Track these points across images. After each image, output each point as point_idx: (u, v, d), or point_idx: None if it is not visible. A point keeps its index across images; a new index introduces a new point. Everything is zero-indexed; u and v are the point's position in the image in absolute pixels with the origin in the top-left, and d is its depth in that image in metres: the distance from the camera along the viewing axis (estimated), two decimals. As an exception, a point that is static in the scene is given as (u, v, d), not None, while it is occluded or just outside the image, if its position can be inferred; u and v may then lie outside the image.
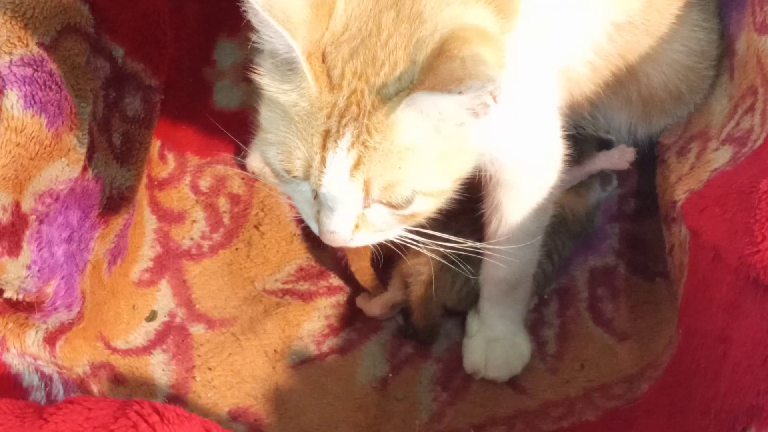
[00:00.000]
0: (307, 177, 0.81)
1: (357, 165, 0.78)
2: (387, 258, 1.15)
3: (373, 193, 0.80)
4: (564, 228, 1.16)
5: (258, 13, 0.75)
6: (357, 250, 1.15)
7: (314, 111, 0.78)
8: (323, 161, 0.79)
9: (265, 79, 0.81)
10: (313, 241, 1.25)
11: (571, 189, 1.16)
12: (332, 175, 0.79)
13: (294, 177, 0.82)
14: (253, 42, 0.80)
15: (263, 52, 0.81)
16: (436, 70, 0.74)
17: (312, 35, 0.77)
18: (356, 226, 0.84)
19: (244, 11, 0.77)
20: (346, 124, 0.77)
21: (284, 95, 0.80)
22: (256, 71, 0.82)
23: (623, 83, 1.10)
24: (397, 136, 0.78)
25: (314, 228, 0.87)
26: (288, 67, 0.79)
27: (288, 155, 0.81)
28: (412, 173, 0.80)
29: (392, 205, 0.82)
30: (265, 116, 0.83)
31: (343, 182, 0.79)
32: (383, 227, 0.85)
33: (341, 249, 1.18)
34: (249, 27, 0.79)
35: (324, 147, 0.78)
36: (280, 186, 0.88)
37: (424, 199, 0.83)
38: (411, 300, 1.14)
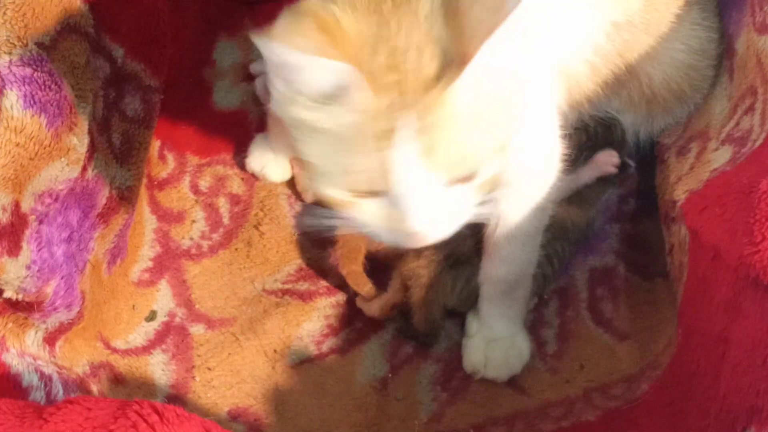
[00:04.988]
0: (380, 185, 0.79)
1: (426, 152, 0.77)
2: (386, 261, 1.15)
3: (448, 173, 0.79)
4: (564, 235, 1.16)
5: (300, 58, 0.74)
6: (348, 254, 1.15)
7: (368, 118, 0.77)
8: (392, 161, 0.77)
9: (305, 113, 0.80)
10: (313, 241, 1.25)
11: (573, 202, 1.16)
12: (405, 170, 0.78)
13: (365, 193, 0.81)
14: (283, 90, 0.80)
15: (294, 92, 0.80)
16: (463, 29, 0.74)
17: (344, 52, 0.77)
18: (439, 215, 0.82)
19: (272, 67, 0.78)
20: (403, 118, 0.76)
21: (331, 120, 0.78)
22: (287, 113, 0.82)
23: (624, 83, 1.10)
24: (452, 108, 0.77)
25: (397, 239, 0.84)
26: (330, 92, 0.78)
27: (353, 176, 0.79)
28: (476, 139, 0.79)
29: (467, 179, 0.81)
30: (312, 151, 0.81)
31: (418, 173, 0.78)
32: (461, 209, 0.84)
33: (334, 254, 1.18)
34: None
35: (389, 146, 0.77)
36: (344, 215, 0.85)
37: (492, 160, 0.82)
38: (411, 303, 1.13)
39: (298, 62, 0.75)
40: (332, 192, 0.83)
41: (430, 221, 0.82)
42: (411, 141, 0.76)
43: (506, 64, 0.78)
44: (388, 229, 0.84)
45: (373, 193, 0.81)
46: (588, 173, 1.18)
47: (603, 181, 1.20)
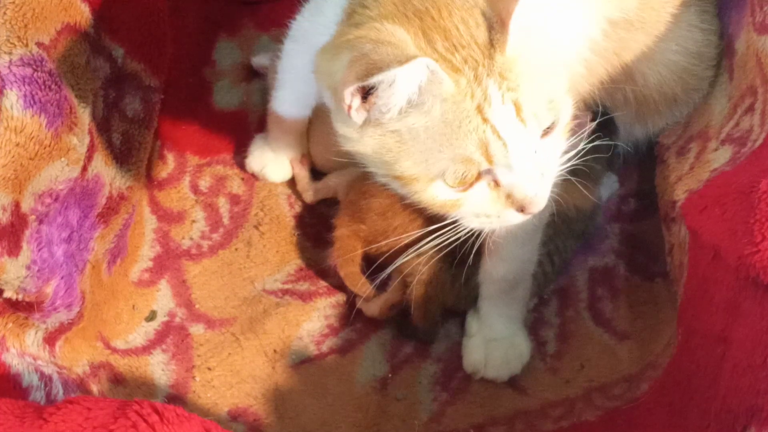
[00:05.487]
0: (486, 163, 0.82)
1: (517, 111, 0.81)
2: (385, 261, 1.15)
3: (539, 124, 0.82)
4: (567, 228, 1.16)
5: (384, 76, 0.77)
6: (346, 256, 1.15)
7: (457, 102, 0.80)
8: (494, 130, 0.80)
9: (397, 125, 0.83)
10: (313, 241, 1.25)
11: (579, 185, 1.15)
12: (507, 133, 0.81)
13: (473, 181, 0.83)
14: (357, 122, 0.83)
15: (389, 110, 0.82)
16: None
17: (411, 52, 0.80)
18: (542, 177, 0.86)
19: (341, 108, 0.82)
20: (486, 87, 0.80)
21: (428, 116, 0.81)
22: (368, 143, 0.84)
23: (619, 83, 1.10)
24: (519, 65, 0.81)
25: (510, 218, 0.87)
26: (415, 94, 0.81)
27: (461, 163, 0.82)
28: (548, 85, 0.84)
29: (552, 126, 0.84)
30: (414, 158, 0.83)
31: (520, 132, 0.81)
32: (551, 166, 0.87)
33: (331, 256, 1.18)
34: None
35: (485, 120, 0.80)
36: (455, 211, 0.88)
37: (567, 101, 0.86)
38: (411, 300, 1.13)
39: (383, 80, 0.78)
40: (441, 193, 0.85)
41: (541, 181, 0.85)
42: (502, 105, 0.80)
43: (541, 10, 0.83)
44: (500, 209, 0.86)
45: (482, 175, 0.83)
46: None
47: (600, 160, 1.19)
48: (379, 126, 0.83)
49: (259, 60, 1.38)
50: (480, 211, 0.87)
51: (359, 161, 0.89)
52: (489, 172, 0.83)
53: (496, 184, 0.84)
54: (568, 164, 0.90)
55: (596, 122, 1.14)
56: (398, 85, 0.79)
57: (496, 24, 0.81)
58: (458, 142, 0.81)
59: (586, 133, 1.09)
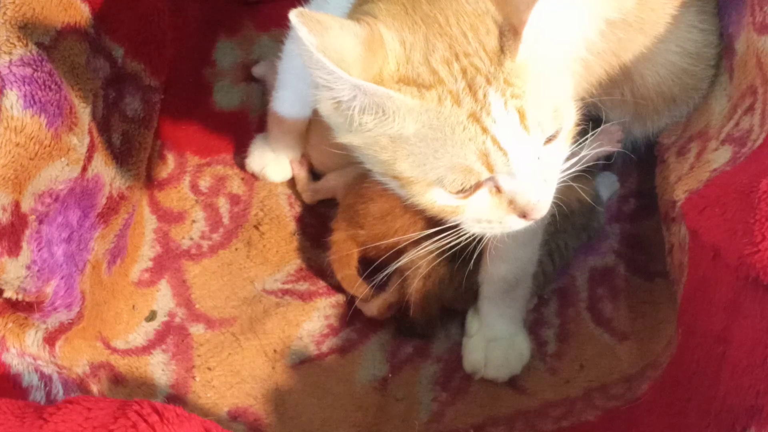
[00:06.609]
0: (489, 168, 0.81)
1: (521, 118, 0.79)
2: (384, 263, 1.15)
3: (543, 132, 0.81)
4: (568, 225, 1.15)
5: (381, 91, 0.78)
6: (341, 259, 1.15)
7: (434, 111, 0.79)
8: (494, 140, 0.79)
9: (381, 129, 0.82)
10: (313, 240, 1.25)
11: (576, 177, 1.15)
12: (509, 142, 0.79)
13: (473, 188, 0.82)
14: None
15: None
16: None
17: (372, 68, 0.79)
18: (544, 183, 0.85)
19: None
20: (484, 96, 0.79)
21: (401, 126, 0.80)
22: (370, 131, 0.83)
23: (617, 83, 1.10)
24: (526, 72, 0.80)
25: (512, 225, 0.86)
26: (380, 107, 0.80)
27: (460, 172, 0.81)
28: (555, 89, 0.83)
29: (556, 134, 0.83)
30: (413, 161, 0.82)
31: (523, 140, 0.80)
32: (554, 172, 0.86)
33: (327, 260, 1.18)
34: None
35: (484, 129, 0.79)
36: (454, 217, 0.87)
37: (570, 108, 0.85)
38: (410, 293, 1.13)
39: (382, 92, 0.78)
40: (441, 199, 0.84)
41: (543, 187, 0.84)
42: (506, 112, 0.79)
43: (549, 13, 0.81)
44: (502, 216, 0.85)
45: (483, 182, 0.82)
46: (595, 150, 1.17)
47: (598, 165, 1.19)
48: (385, 123, 0.82)
49: (258, 70, 1.38)
50: (481, 217, 0.86)
51: (356, 156, 0.88)
52: (491, 179, 0.82)
53: (498, 190, 0.83)
54: (571, 170, 0.89)
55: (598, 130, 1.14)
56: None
57: (508, 31, 0.80)
58: (454, 150, 0.80)
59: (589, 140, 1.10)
